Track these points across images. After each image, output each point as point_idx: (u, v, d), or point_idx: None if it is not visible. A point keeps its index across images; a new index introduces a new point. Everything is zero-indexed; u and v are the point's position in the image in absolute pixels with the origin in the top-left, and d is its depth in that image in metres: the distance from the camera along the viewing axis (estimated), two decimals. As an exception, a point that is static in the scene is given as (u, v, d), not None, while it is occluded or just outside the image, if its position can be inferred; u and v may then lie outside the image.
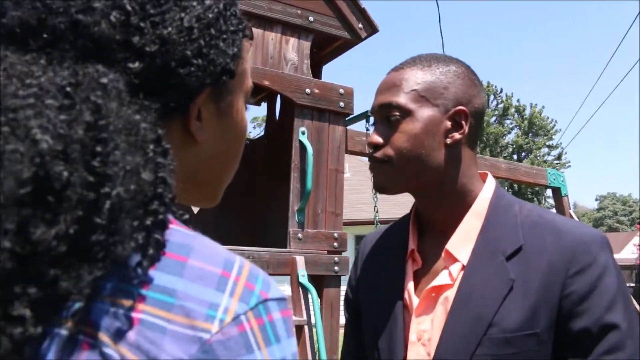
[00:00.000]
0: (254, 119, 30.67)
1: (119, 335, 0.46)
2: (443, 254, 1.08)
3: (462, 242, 1.07)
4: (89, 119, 0.46)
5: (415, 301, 1.08)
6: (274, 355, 0.50)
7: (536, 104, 37.56)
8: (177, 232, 0.53)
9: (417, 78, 1.09)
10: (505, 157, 34.87)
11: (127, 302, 0.47)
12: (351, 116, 3.94)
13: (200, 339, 0.47)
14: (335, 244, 3.64)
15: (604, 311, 0.94)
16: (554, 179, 5.90)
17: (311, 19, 3.96)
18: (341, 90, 3.85)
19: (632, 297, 0.97)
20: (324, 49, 4.54)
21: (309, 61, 3.96)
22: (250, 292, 0.51)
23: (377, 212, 4.07)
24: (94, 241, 0.45)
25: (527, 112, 37.45)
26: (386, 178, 1.10)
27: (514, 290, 0.97)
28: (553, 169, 6.40)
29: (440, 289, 1.05)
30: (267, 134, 5.41)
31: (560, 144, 36.01)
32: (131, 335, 0.46)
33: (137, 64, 0.53)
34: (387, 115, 1.09)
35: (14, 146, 0.42)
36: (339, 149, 3.80)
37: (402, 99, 1.07)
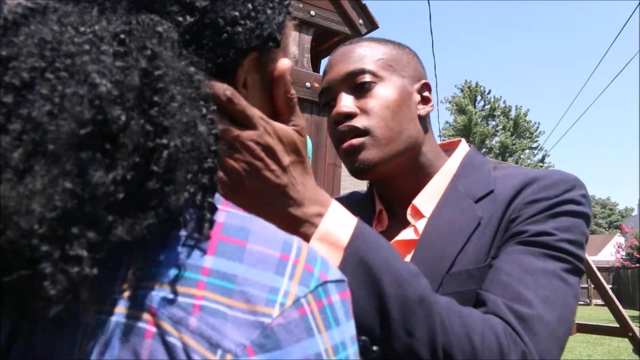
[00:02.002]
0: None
1: (180, 323, 0.45)
2: (409, 210, 1.01)
3: (429, 198, 1.01)
4: (145, 66, 0.46)
5: None
6: (334, 339, 0.49)
7: (521, 106, 38.00)
8: (234, 215, 0.53)
9: (380, 50, 1.03)
10: (490, 158, 35.23)
11: (187, 289, 0.46)
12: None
13: (262, 323, 0.46)
14: (331, 238, 3.67)
15: (548, 221, 0.87)
16: (543, 180, 5.97)
17: (313, 13, 3.97)
18: (341, 86, 3.87)
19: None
20: (324, 44, 4.54)
21: (309, 55, 3.96)
22: (310, 274, 0.50)
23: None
24: (150, 189, 0.45)
25: (513, 113, 37.87)
26: (371, 154, 0.97)
27: (480, 226, 0.92)
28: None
29: (407, 244, 0.98)
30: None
31: (543, 147, 36.41)
32: (192, 322, 0.45)
33: (187, 18, 0.54)
34: (357, 83, 1.00)
35: (74, 89, 0.42)
36: (337, 144, 3.82)
37: (373, 66, 1.01)
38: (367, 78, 0.99)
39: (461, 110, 38.47)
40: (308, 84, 3.73)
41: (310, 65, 3.94)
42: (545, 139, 30.35)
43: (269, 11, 0.62)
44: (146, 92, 0.46)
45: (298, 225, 0.72)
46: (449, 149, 1.13)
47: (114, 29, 0.47)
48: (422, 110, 1.04)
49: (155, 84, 0.46)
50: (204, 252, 0.49)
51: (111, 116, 0.43)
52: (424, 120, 1.05)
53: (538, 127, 38.16)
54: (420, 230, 0.97)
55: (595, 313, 17.73)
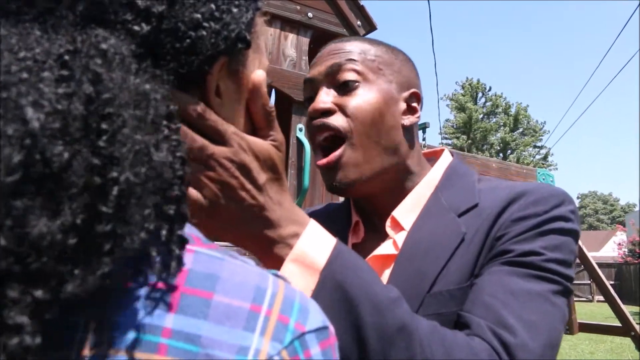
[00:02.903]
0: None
1: None
2: (389, 222, 0.96)
3: (410, 209, 0.96)
4: (89, 92, 0.40)
5: None
6: None
7: (521, 102, 38.06)
8: (202, 257, 0.47)
9: (371, 50, 0.98)
10: (491, 155, 35.30)
11: (146, 356, 0.41)
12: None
13: None
14: (331, 241, 3.64)
15: (536, 240, 0.82)
16: (544, 179, 5.95)
17: (310, 15, 3.94)
18: (339, 88, 3.85)
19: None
20: (322, 45, 4.51)
21: (307, 57, 3.94)
22: (284, 326, 0.45)
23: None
24: (100, 233, 0.39)
25: (513, 109, 37.99)
26: (350, 174, 0.92)
27: (464, 242, 0.86)
28: (543, 168, 6.46)
29: (385, 259, 0.93)
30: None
31: (545, 146, 36.42)
32: None
33: (143, 27, 0.49)
34: (340, 80, 0.95)
35: (2, 128, 0.36)
36: (336, 147, 3.80)
37: (360, 65, 0.95)
38: (352, 76, 0.94)
39: (461, 108, 38.47)
40: (306, 87, 3.72)
41: (308, 67, 3.91)
42: (548, 137, 30.33)
43: (234, 9, 0.57)
44: (92, 120, 0.40)
45: (273, 247, 0.68)
46: (431, 157, 1.08)
47: (57, 49, 0.42)
48: (407, 120, 0.98)
49: (102, 109, 0.40)
50: (165, 308, 0.43)
51: (50, 154, 0.37)
52: (408, 130, 0.99)
53: (543, 126, 38.19)
54: (400, 243, 0.92)
55: (597, 310, 17.71)
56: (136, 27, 0.49)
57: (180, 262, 0.44)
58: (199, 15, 0.53)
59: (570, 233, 0.85)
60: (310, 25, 3.96)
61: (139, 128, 0.43)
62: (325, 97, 0.95)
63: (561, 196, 0.88)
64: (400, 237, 0.94)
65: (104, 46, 0.44)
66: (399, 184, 0.99)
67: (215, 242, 0.52)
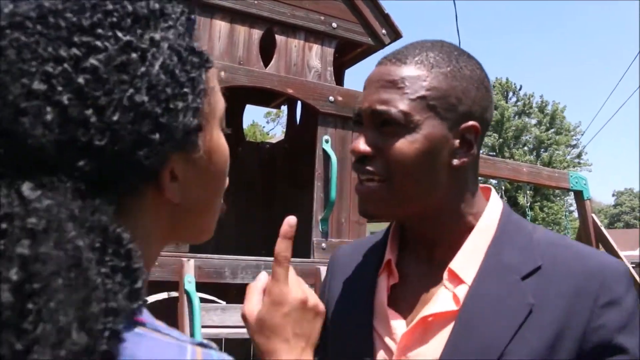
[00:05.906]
0: (267, 114, 30.58)
1: None
2: (446, 274, 0.90)
3: (468, 261, 0.90)
4: (15, 279, 0.38)
5: (398, 324, 0.91)
6: None
7: (559, 102, 37.49)
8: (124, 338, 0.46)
9: (426, 81, 0.88)
10: (524, 153, 34.78)
11: None
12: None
13: None
14: (359, 253, 3.62)
15: (628, 338, 0.83)
16: (576, 182, 5.81)
17: (334, 25, 3.93)
18: (365, 98, 3.82)
19: None
20: (347, 54, 4.49)
21: (332, 68, 3.92)
22: None
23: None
24: None
25: (550, 107, 37.46)
26: (381, 203, 0.90)
27: (533, 315, 0.82)
28: (575, 171, 6.32)
29: (444, 316, 0.88)
30: (288, 140, 5.38)
31: (581, 142, 35.76)
32: None
33: (86, 161, 0.47)
34: (381, 122, 0.88)
35: None
36: (363, 157, 3.78)
37: (406, 106, 0.86)
38: (395, 116, 0.86)
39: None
40: (331, 98, 3.69)
41: (333, 78, 3.90)
42: (582, 135, 29.73)
43: (180, 104, 0.52)
44: (19, 302, 0.38)
45: None
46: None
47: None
48: (457, 160, 0.89)
49: (29, 288, 0.39)
50: None
51: None
52: (458, 169, 0.90)
53: (579, 125, 37.62)
54: (461, 298, 0.87)
55: (636, 311, 17.24)
56: (79, 163, 0.47)
57: None
58: (144, 129, 0.50)
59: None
60: (335, 35, 3.95)
61: (65, 299, 0.40)
62: (365, 139, 0.90)
63: (626, 269, 0.88)
64: (460, 291, 0.88)
65: (32, 221, 0.41)
66: (445, 220, 0.94)
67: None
